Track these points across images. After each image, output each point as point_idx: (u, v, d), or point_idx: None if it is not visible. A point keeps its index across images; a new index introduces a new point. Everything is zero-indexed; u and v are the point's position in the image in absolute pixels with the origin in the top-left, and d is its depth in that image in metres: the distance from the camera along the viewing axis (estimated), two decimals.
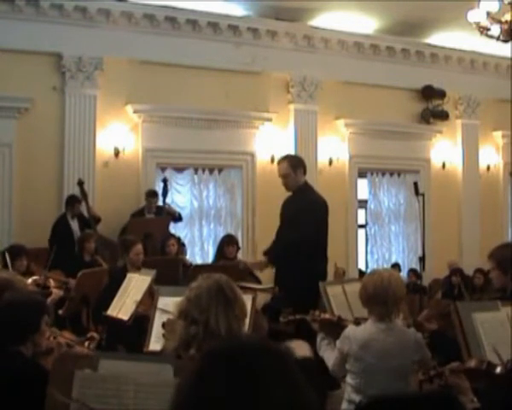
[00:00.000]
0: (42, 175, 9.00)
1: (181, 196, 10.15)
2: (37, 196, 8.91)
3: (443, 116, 11.72)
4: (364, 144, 11.16)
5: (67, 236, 8.35)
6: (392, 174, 11.80)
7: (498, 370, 2.64)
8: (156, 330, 3.82)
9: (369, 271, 9.78)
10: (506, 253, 4.04)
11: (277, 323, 4.88)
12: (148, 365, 2.47)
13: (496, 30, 6.94)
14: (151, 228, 8.56)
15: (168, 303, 3.73)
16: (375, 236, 11.77)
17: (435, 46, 11.48)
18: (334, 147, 10.98)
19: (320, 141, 10.81)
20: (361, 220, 11.77)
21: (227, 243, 7.79)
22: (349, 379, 3.61)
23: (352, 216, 11.23)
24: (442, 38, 11.20)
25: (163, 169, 9.91)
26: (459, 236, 12.06)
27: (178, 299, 2.92)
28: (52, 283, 5.77)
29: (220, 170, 10.41)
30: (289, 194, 6.08)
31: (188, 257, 8.98)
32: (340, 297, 4.32)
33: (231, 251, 7.68)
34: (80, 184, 8.72)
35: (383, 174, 11.74)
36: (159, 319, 3.83)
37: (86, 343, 3.73)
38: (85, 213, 8.67)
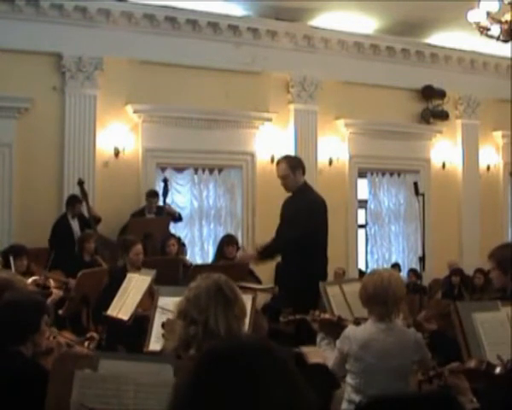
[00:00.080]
0: (42, 175, 9.00)
1: (181, 196, 10.16)
2: (37, 196, 8.91)
3: (443, 116, 11.72)
4: (364, 144, 11.16)
5: (68, 236, 8.35)
6: (392, 174, 11.81)
7: (498, 370, 2.65)
8: (156, 330, 3.82)
9: (369, 271, 9.78)
10: (506, 253, 4.05)
11: (277, 323, 4.88)
12: (148, 365, 2.47)
13: (496, 30, 6.94)
14: (151, 228, 8.56)
15: (168, 303, 3.73)
16: (375, 236, 11.77)
17: (435, 46, 11.49)
18: (334, 147, 10.98)
19: (320, 141, 10.81)
20: (361, 220, 11.77)
21: (227, 243, 7.78)
22: (349, 379, 3.61)
23: (352, 216, 11.23)
24: (442, 38, 11.20)
25: (163, 169, 9.91)
26: (459, 236, 12.06)
27: (178, 299, 2.92)
28: (52, 283, 5.77)
29: (220, 170, 10.41)
30: (289, 194, 6.08)
31: (188, 257, 8.98)
32: (339, 297, 4.32)
33: (231, 251, 7.67)
34: (80, 183, 8.72)
35: (383, 174, 11.75)
36: (159, 319, 3.83)
37: (86, 343, 3.73)
38: (86, 214, 8.67)
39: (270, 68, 10.42)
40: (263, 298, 6.25)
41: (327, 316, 4.11)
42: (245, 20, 10.10)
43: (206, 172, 10.32)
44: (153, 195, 9.15)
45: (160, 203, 9.10)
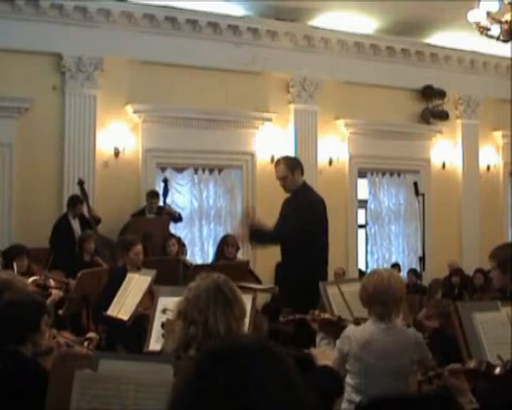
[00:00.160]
0: (42, 175, 9.00)
1: (181, 196, 10.16)
2: (37, 196, 8.91)
3: (443, 116, 11.72)
4: (364, 144, 11.16)
5: (68, 236, 8.35)
6: (392, 174, 11.81)
7: (498, 370, 2.65)
8: (156, 331, 3.83)
9: (369, 271, 9.78)
10: (507, 253, 4.06)
11: (277, 323, 4.89)
12: (148, 365, 2.47)
13: (496, 30, 6.94)
14: (151, 228, 8.56)
15: (168, 303, 3.73)
16: (375, 236, 11.77)
17: (435, 46, 11.49)
18: (334, 147, 10.98)
19: (320, 141, 10.81)
20: (361, 220, 11.77)
21: (227, 243, 7.78)
22: (349, 379, 3.60)
23: (351, 216, 11.23)
24: (442, 38, 11.20)
25: (163, 169, 9.91)
26: (459, 236, 12.06)
27: (178, 299, 2.91)
28: (52, 283, 5.78)
29: (220, 170, 10.41)
30: (289, 195, 6.08)
31: (188, 257, 8.98)
32: (338, 297, 4.32)
33: (231, 251, 7.67)
34: (81, 184, 8.71)
35: (383, 174, 11.75)
36: (159, 319, 3.83)
37: (85, 344, 3.73)
38: (86, 214, 8.66)
39: (270, 68, 10.42)
40: (263, 298, 6.26)
41: (327, 316, 4.11)
42: (245, 20, 10.10)
43: (206, 172, 10.32)
44: (153, 195, 9.15)
45: (161, 203, 9.10)
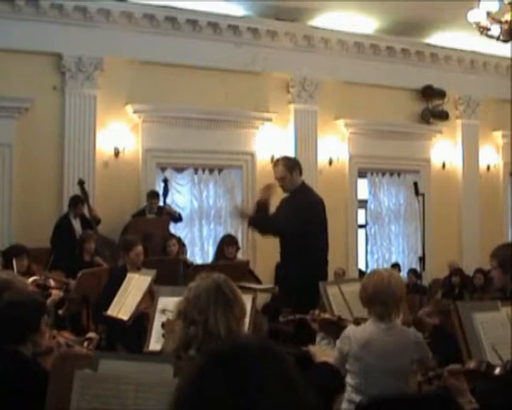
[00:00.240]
0: (42, 175, 9.00)
1: (181, 196, 10.16)
2: (37, 196, 8.91)
3: (443, 116, 11.72)
4: (364, 144, 11.16)
5: (70, 235, 8.35)
6: (392, 174, 11.81)
7: (498, 371, 2.65)
8: (156, 330, 3.83)
9: (369, 271, 9.78)
10: (507, 252, 4.07)
11: (277, 323, 4.88)
12: (148, 365, 2.47)
13: (496, 30, 6.93)
14: (151, 228, 8.56)
15: (168, 303, 3.73)
16: (375, 236, 11.77)
17: (435, 46, 11.49)
18: (334, 147, 10.98)
19: (320, 141, 10.81)
20: (361, 220, 11.77)
21: (227, 243, 7.78)
22: (349, 379, 3.61)
23: (351, 216, 11.23)
24: (442, 38, 11.21)
25: (163, 169, 9.91)
26: (459, 236, 12.06)
27: (178, 299, 2.91)
28: (52, 283, 5.78)
29: (220, 170, 10.41)
30: (287, 194, 6.06)
31: (188, 257, 8.98)
32: (338, 297, 4.32)
33: (231, 251, 7.68)
34: (81, 184, 8.72)
35: (383, 174, 11.75)
36: (159, 319, 3.83)
37: (85, 344, 3.73)
38: (86, 214, 8.67)
39: (270, 68, 10.42)
40: (263, 298, 6.26)
41: (327, 316, 4.11)
42: (245, 20, 10.10)
43: (206, 172, 10.32)
44: (153, 196, 9.15)
45: (161, 203, 9.10)
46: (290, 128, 10.65)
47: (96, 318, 5.96)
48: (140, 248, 6.12)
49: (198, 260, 9.75)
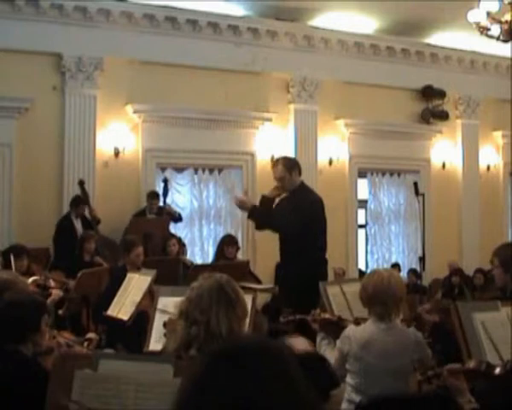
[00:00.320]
0: (42, 175, 9.00)
1: (181, 196, 10.15)
2: (37, 196, 8.91)
3: (443, 116, 11.72)
4: (364, 144, 11.16)
5: (71, 235, 8.35)
6: (392, 174, 11.81)
7: (497, 371, 2.64)
8: (156, 330, 3.82)
9: (369, 271, 9.78)
10: (509, 252, 4.08)
11: (277, 323, 4.88)
12: (148, 365, 2.47)
13: (496, 30, 6.93)
14: (151, 228, 8.56)
15: (168, 303, 3.73)
16: (375, 236, 11.77)
17: (435, 46, 11.49)
18: (334, 147, 10.98)
19: (320, 141, 10.81)
20: (361, 220, 11.77)
21: (227, 243, 7.79)
22: (349, 379, 3.61)
23: (351, 216, 11.23)
24: (442, 38, 11.20)
25: (163, 169, 9.91)
26: (459, 236, 12.06)
27: (178, 299, 2.91)
28: (52, 283, 5.78)
29: (220, 170, 10.41)
30: (286, 194, 6.05)
31: (188, 257, 8.98)
32: (339, 297, 4.32)
33: (231, 251, 7.68)
34: (81, 184, 8.72)
35: (383, 174, 11.74)
36: (159, 320, 3.83)
37: (85, 344, 3.73)
38: (87, 214, 8.67)
39: (270, 68, 10.41)
40: (263, 298, 6.25)
41: (327, 316, 4.11)
42: (245, 20, 10.10)
43: (206, 172, 10.32)
44: (153, 196, 9.15)
45: (161, 203, 9.10)
46: (290, 128, 10.65)
47: (96, 318, 5.96)
48: (140, 249, 6.12)
49: (198, 261, 9.75)
